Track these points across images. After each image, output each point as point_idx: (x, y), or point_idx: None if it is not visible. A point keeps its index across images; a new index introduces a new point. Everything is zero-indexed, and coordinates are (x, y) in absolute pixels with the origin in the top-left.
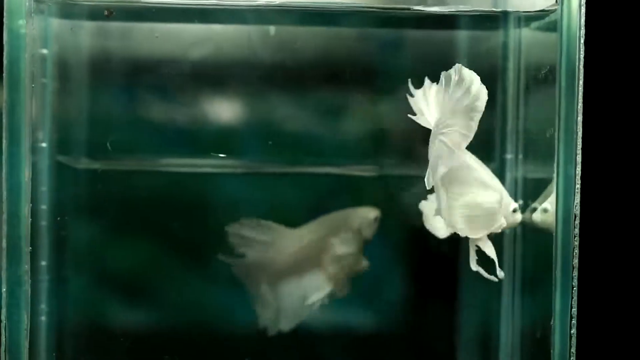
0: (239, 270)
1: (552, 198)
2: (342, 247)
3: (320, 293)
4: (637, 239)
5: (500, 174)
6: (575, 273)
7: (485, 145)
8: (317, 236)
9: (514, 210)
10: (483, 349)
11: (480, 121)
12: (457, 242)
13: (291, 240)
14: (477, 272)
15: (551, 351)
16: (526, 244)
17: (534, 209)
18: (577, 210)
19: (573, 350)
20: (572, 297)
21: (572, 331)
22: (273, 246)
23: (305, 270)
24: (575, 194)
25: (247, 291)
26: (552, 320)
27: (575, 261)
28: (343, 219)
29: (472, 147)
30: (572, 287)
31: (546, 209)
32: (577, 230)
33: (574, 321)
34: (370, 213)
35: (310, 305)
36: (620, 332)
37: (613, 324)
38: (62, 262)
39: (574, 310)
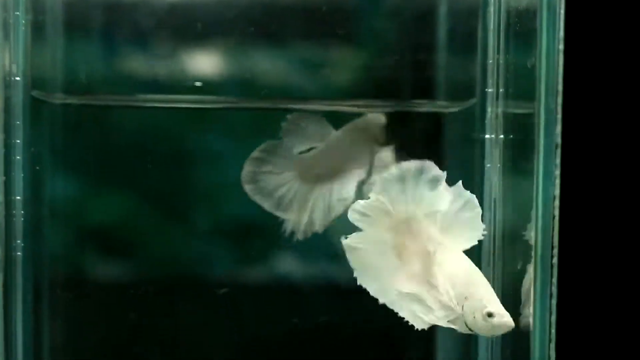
0: (283, 165)
1: None
2: (380, 153)
3: (350, 192)
4: (616, 168)
5: (481, 109)
6: (557, 202)
7: (466, 80)
8: (347, 141)
9: (489, 315)
10: None
11: (462, 56)
12: None
13: (331, 140)
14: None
15: (532, 282)
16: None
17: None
18: (558, 140)
19: (554, 279)
20: (553, 229)
21: (553, 260)
22: (322, 141)
23: (337, 172)
24: (557, 123)
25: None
26: (532, 252)
27: (557, 191)
28: (364, 126)
29: (453, 83)
30: (553, 217)
31: None
32: (558, 160)
33: (555, 250)
34: (381, 118)
35: (343, 203)
36: (601, 265)
37: (594, 254)
38: (37, 198)
39: (555, 239)
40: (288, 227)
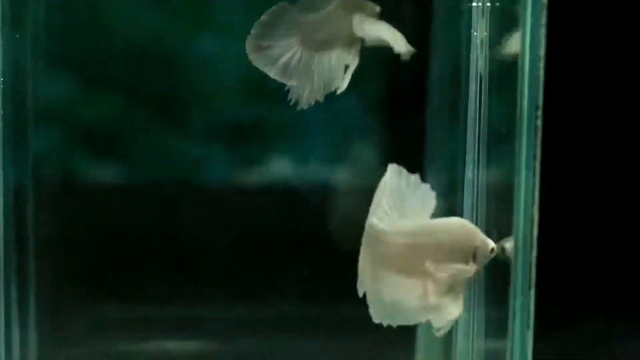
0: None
1: None
2: (369, 27)
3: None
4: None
5: None
6: (542, 63)
7: None
8: (344, 11)
9: (492, 251)
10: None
11: None
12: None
13: (331, 7)
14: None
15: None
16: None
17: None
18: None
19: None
20: (538, 88)
21: (537, 122)
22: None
23: (335, 40)
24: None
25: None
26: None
27: (542, 51)
28: (360, 4)
29: None
30: (537, 77)
31: None
32: (544, 20)
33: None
34: (376, 7)
35: (340, 80)
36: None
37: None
38: (17, 65)
39: (540, 100)
40: (293, 95)
